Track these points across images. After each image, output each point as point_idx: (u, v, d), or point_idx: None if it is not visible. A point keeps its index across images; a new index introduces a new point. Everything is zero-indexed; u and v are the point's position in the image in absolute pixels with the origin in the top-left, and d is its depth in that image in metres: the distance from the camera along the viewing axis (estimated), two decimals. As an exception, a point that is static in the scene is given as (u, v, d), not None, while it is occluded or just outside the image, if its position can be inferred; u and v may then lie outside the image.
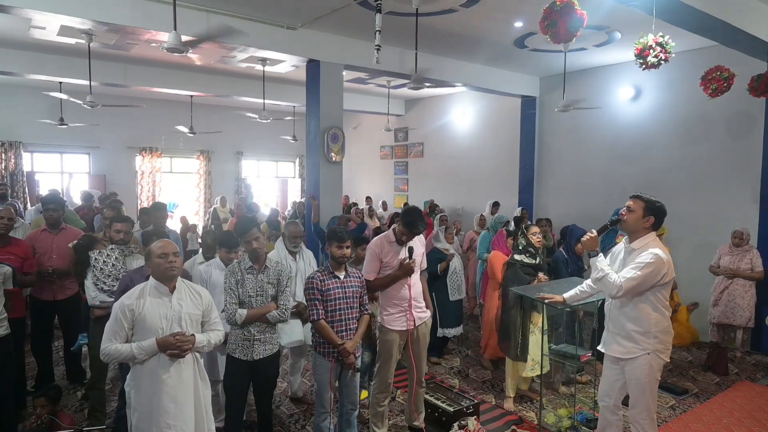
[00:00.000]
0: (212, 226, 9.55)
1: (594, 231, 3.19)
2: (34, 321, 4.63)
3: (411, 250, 3.58)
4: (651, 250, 2.94)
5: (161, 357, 2.59)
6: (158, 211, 5.53)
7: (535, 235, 4.43)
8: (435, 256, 5.19)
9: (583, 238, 3.22)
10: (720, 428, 4.16)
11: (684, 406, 4.58)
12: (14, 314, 3.99)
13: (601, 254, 3.13)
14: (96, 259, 3.81)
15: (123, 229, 3.93)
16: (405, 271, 3.56)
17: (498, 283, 5.03)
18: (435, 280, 5.17)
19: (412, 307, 3.63)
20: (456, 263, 5.45)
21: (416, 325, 3.69)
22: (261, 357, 3.30)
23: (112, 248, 3.89)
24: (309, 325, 4.18)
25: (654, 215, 3.01)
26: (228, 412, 3.45)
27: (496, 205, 8.16)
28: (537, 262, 4.42)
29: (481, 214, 7.66)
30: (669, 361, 3.17)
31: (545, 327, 4.10)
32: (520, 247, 4.45)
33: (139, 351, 2.56)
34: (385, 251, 3.60)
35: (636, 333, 3.03)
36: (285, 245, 4.29)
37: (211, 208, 10.79)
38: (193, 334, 2.68)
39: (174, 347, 2.58)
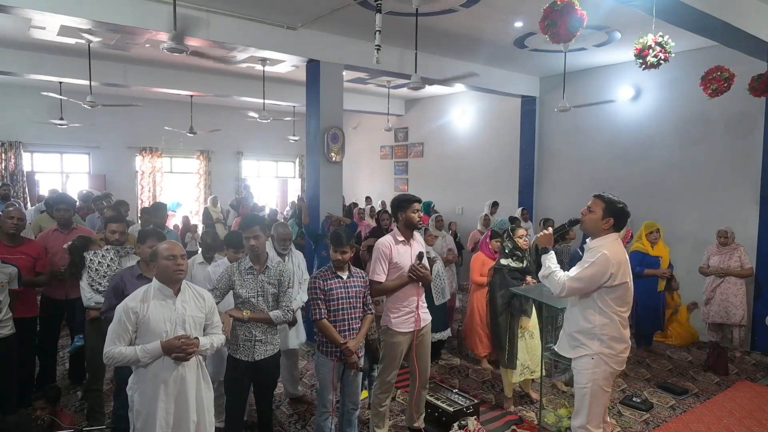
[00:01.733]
0: (203, 226, 9.52)
1: (550, 228, 3.15)
2: (43, 319, 4.64)
3: (422, 255, 3.56)
4: (601, 250, 2.81)
5: (165, 359, 2.59)
6: (159, 211, 5.55)
7: (522, 238, 4.36)
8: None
9: (538, 234, 3.17)
10: (720, 428, 4.16)
11: (684, 406, 4.58)
12: (28, 313, 4.01)
13: (552, 252, 3.06)
14: (91, 260, 3.80)
15: (118, 229, 3.93)
16: (419, 275, 3.53)
17: (477, 285, 5.03)
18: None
19: (419, 308, 3.62)
20: (439, 266, 5.34)
21: (422, 325, 3.66)
22: (262, 357, 3.30)
23: (107, 249, 3.88)
24: (296, 328, 4.20)
25: (614, 217, 2.86)
26: (228, 412, 3.45)
27: (495, 205, 8.15)
28: (524, 265, 4.36)
29: (485, 214, 7.66)
30: (620, 370, 2.95)
31: (538, 330, 4.10)
32: (507, 251, 4.38)
33: (143, 354, 2.54)
34: (396, 252, 3.55)
35: (579, 333, 2.93)
36: (274, 247, 4.25)
37: (202, 208, 10.73)
38: (197, 337, 2.67)
39: (179, 350, 2.57)
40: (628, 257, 2.94)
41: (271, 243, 4.31)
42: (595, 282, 2.81)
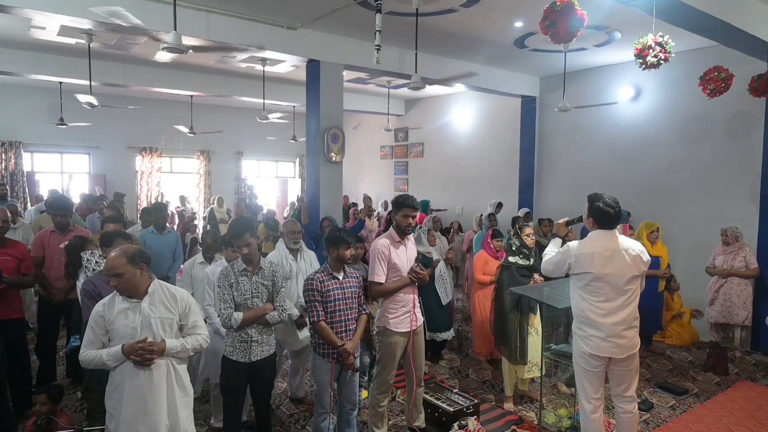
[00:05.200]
0: (208, 226, 9.55)
1: (566, 218, 3.52)
2: (41, 320, 4.65)
3: (419, 258, 3.57)
4: (570, 243, 3.19)
5: (129, 363, 2.53)
6: (159, 211, 5.53)
7: (529, 237, 4.39)
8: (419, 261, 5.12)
9: (557, 221, 3.52)
10: (720, 428, 4.16)
11: (684, 406, 4.58)
12: (13, 315, 3.98)
13: (558, 238, 3.49)
14: (88, 260, 3.80)
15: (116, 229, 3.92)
16: (419, 279, 3.56)
17: (478, 284, 5.01)
18: (422, 286, 5.09)
19: (415, 308, 3.63)
20: (441, 267, 5.29)
21: (417, 325, 3.68)
22: (258, 358, 3.28)
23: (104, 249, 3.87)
24: (307, 329, 4.21)
25: (593, 217, 3.16)
26: (226, 413, 3.44)
27: (499, 206, 8.05)
28: (531, 263, 4.39)
29: (481, 214, 7.64)
30: (593, 354, 3.13)
31: (541, 328, 4.10)
32: (514, 248, 4.40)
33: (108, 357, 2.52)
34: (393, 252, 3.55)
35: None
36: (285, 244, 4.28)
37: (209, 208, 10.77)
38: (163, 340, 2.58)
39: (137, 354, 2.49)
40: (600, 254, 3.07)
41: (282, 242, 4.33)
42: (559, 267, 3.24)
